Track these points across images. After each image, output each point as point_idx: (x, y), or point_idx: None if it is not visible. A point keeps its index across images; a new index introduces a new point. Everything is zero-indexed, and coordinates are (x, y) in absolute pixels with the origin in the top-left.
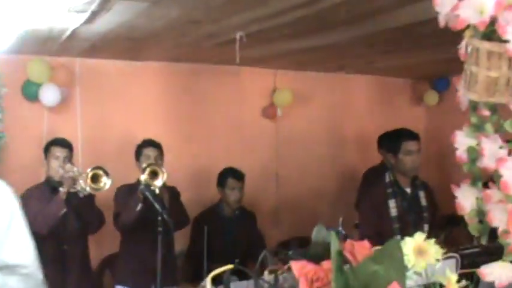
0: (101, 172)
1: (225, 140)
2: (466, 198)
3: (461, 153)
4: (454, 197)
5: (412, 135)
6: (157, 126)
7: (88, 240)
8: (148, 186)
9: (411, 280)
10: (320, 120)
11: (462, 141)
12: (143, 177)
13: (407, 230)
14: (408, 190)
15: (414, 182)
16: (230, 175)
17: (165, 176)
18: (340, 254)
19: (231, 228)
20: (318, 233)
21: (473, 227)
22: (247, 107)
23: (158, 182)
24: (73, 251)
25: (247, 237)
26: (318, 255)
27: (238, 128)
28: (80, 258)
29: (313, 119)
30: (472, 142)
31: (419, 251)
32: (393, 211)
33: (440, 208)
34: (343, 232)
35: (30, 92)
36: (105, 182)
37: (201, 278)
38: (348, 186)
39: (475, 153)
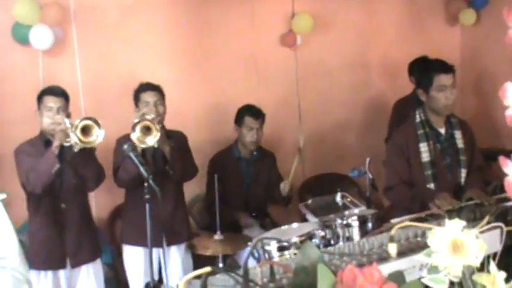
0: (91, 123)
1: (239, 73)
2: None
3: None
4: (492, 129)
5: (446, 68)
6: (163, 63)
7: (88, 197)
8: (132, 145)
9: (442, 285)
10: (344, 46)
11: None
12: (135, 135)
13: (442, 177)
14: (442, 131)
15: (449, 120)
16: (247, 113)
17: (159, 134)
18: None
19: (248, 170)
20: (305, 253)
21: None
22: (262, 36)
23: (150, 140)
24: (71, 209)
25: (266, 180)
26: (303, 287)
27: (253, 60)
28: (79, 216)
29: (336, 46)
30: None
31: (455, 246)
32: (425, 156)
33: (478, 143)
34: (370, 176)
35: (20, 35)
36: (97, 135)
37: (215, 226)
38: (376, 116)
39: None
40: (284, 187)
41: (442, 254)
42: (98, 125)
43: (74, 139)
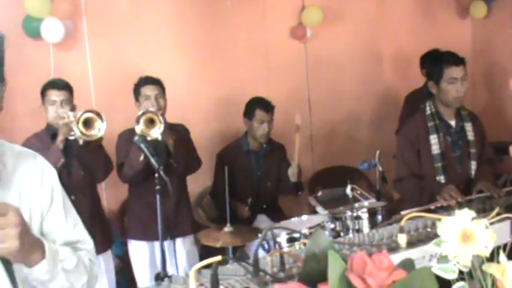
0: (93, 116)
1: (249, 66)
2: None
3: None
4: (503, 122)
5: (456, 60)
6: (174, 56)
7: (97, 189)
8: (143, 137)
9: (452, 274)
10: (354, 39)
11: None
12: (139, 127)
13: (452, 169)
14: (452, 123)
15: (459, 113)
16: (258, 106)
17: (163, 125)
18: (344, 280)
19: (258, 163)
20: (315, 241)
21: None
22: (272, 29)
23: (155, 132)
24: (81, 201)
25: (276, 172)
26: (313, 274)
27: (263, 52)
28: (89, 208)
29: (346, 39)
30: None
31: (465, 236)
32: (435, 148)
33: (488, 136)
34: (380, 168)
35: (31, 28)
36: (99, 128)
37: (225, 219)
38: (386, 109)
39: None
40: (292, 172)
41: (452, 244)
42: (101, 118)
43: (77, 132)
